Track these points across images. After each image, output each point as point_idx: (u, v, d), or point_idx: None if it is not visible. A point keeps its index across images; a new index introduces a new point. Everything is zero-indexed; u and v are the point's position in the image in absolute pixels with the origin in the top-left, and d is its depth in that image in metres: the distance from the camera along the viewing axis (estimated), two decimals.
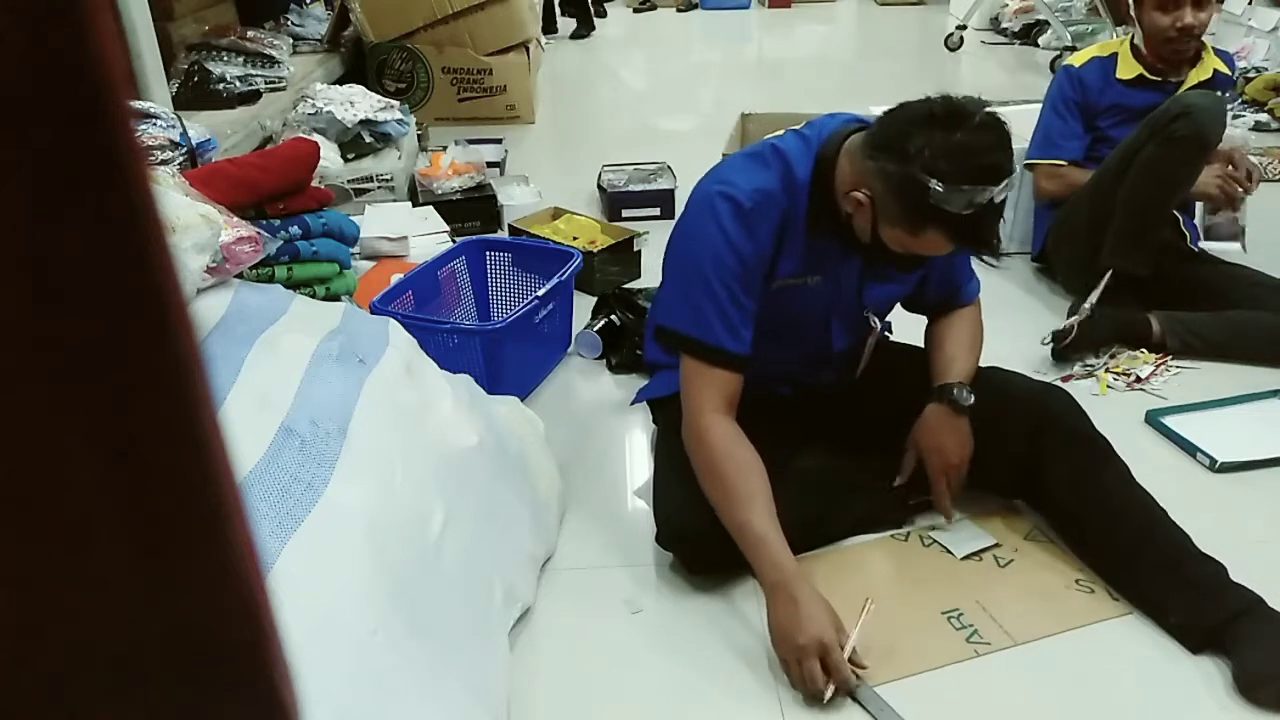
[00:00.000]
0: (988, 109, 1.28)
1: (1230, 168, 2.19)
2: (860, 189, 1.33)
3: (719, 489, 1.38)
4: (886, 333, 1.66)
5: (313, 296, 1.78)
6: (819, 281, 1.46)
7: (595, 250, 2.45)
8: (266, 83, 3.05)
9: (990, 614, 1.42)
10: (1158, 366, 2.08)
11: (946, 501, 1.53)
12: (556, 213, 2.77)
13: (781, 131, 1.46)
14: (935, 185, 1.22)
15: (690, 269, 1.42)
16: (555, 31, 5.63)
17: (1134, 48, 2.37)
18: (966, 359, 1.56)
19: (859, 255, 1.44)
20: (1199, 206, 2.34)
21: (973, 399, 1.50)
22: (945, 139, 1.23)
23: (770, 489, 1.37)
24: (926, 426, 1.52)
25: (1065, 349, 2.09)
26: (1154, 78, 2.33)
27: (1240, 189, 2.18)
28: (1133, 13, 2.30)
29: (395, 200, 2.91)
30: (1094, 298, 2.10)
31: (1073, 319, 2.09)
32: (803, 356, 1.56)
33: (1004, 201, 1.28)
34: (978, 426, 1.51)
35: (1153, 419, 1.90)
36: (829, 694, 1.24)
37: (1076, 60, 2.44)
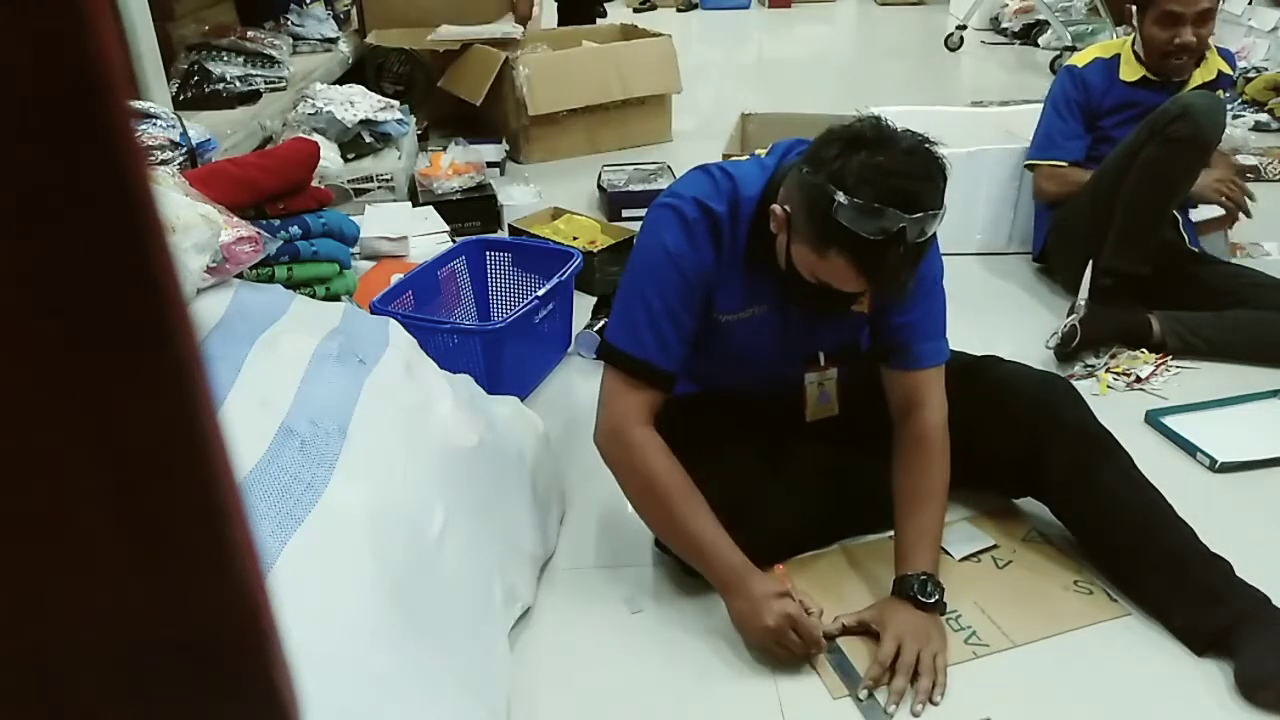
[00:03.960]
0: (926, 143, 1.21)
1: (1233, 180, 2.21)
2: (785, 204, 1.28)
3: (650, 498, 1.38)
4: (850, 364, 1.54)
5: (313, 296, 1.78)
6: (764, 311, 1.42)
7: (595, 250, 2.45)
8: (266, 83, 3.04)
9: (989, 615, 1.42)
10: (1158, 366, 2.08)
11: (901, 684, 1.29)
12: (556, 213, 2.77)
13: (745, 155, 1.44)
14: (840, 198, 1.16)
15: (632, 281, 1.40)
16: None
17: (1135, 49, 2.37)
18: (932, 533, 1.41)
19: (783, 288, 1.35)
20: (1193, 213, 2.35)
21: (938, 596, 1.35)
22: (865, 157, 1.18)
23: (700, 493, 1.36)
24: (893, 616, 1.35)
25: (1073, 351, 2.08)
26: (1156, 78, 2.33)
27: (1241, 200, 2.20)
28: (1134, 20, 2.30)
29: (395, 200, 2.91)
30: (1084, 292, 2.10)
31: (1072, 318, 2.09)
32: (771, 383, 1.52)
33: (923, 244, 1.19)
34: (976, 419, 1.49)
35: (1153, 419, 1.90)
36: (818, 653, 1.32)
37: (1079, 60, 2.44)
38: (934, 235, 1.22)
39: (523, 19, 4.08)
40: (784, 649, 1.31)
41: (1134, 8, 2.29)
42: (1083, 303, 2.09)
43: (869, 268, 1.20)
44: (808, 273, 1.28)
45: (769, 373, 1.50)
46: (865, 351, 1.52)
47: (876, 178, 1.16)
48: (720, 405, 1.45)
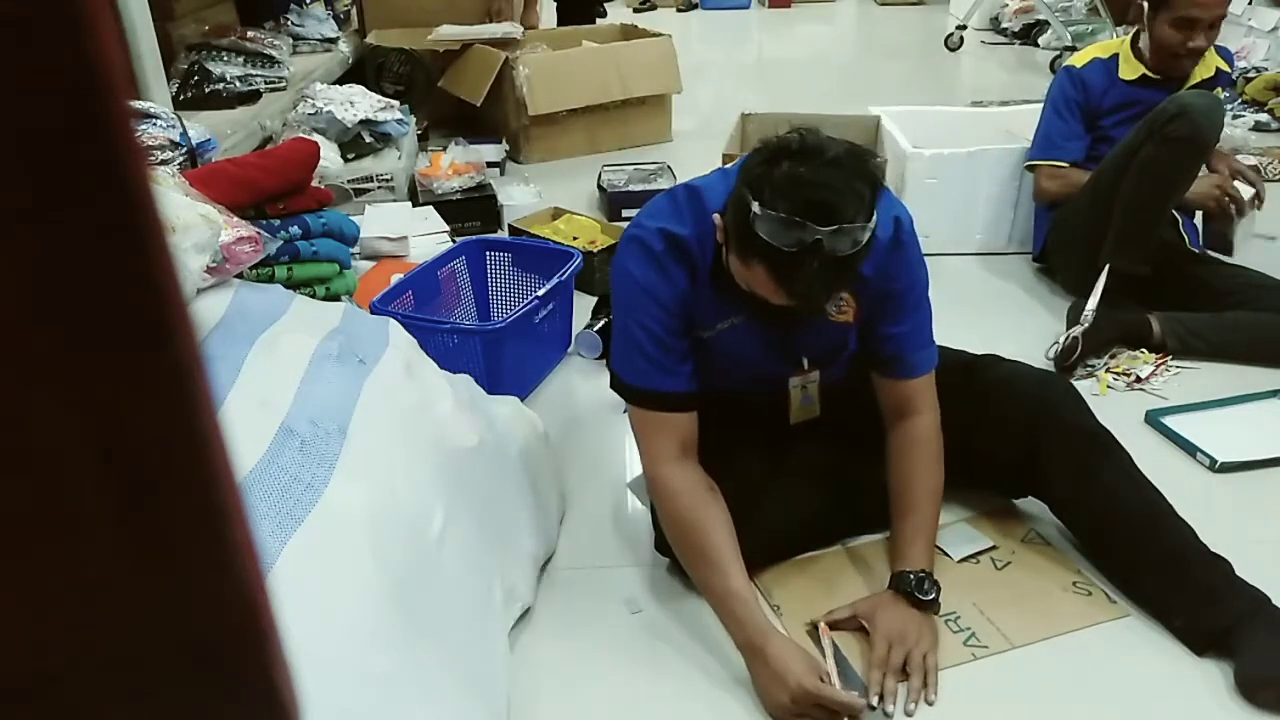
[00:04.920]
0: (858, 153, 1.18)
1: (1234, 182, 2.20)
2: (725, 214, 1.27)
3: (682, 547, 1.39)
4: (837, 371, 1.54)
5: (313, 296, 1.78)
6: (741, 320, 1.41)
7: (595, 250, 2.45)
8: (266, 83, 3.04)
9: (988, 617, 1.42)
10: (1158, 366, 2.08)
11: (893, 685, 1.29)
12: (556, 213, 2.77)
13: (710, 170, 1.44)
14: (756, 209, 1.14)
15: (619, 314, 1.40)
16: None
17: (1135, 48, 2.37)
18: (928, 531, 1.41)
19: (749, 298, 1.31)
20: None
21: (935, 594, 1.35)
22: (786, 168, 1.16)
23: (735, 541, 1.34)
24: (884, 613, 1.35)
25: (1073, 364, 2.07)
26: (1156, 76, 2.33)
27: (1236, 205, 2.19)
28: (1144, 18, 2.29)
29: (395, 200, 2.91)
30: (1093, 303, 2.10)
31: (1075, 329, 2.08)
32: (766, 384, 1.51)
33: (846, 259, 1.15)
34: (975, 419, 1.49)
35: (1153, 419, 1.90)
36: None
37: (1077, 60, 2.44)
38: (867, 248, 1.18)
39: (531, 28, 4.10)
40: None
41: (1145, 5, 2.28)
42: (1090, 313, 2.08)
43: (785, 280, 1.17)
44: (741, 282, 1.26)
45: (761, 375, 1.50)
46: (855, 358, 1.52)
47: (792, 189, 1.14)
48: (721, 408, 1.45)
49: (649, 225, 1.35)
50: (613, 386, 1.47)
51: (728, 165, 1.42)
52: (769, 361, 1.48)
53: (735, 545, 1.34)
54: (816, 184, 1.14)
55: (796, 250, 1.14)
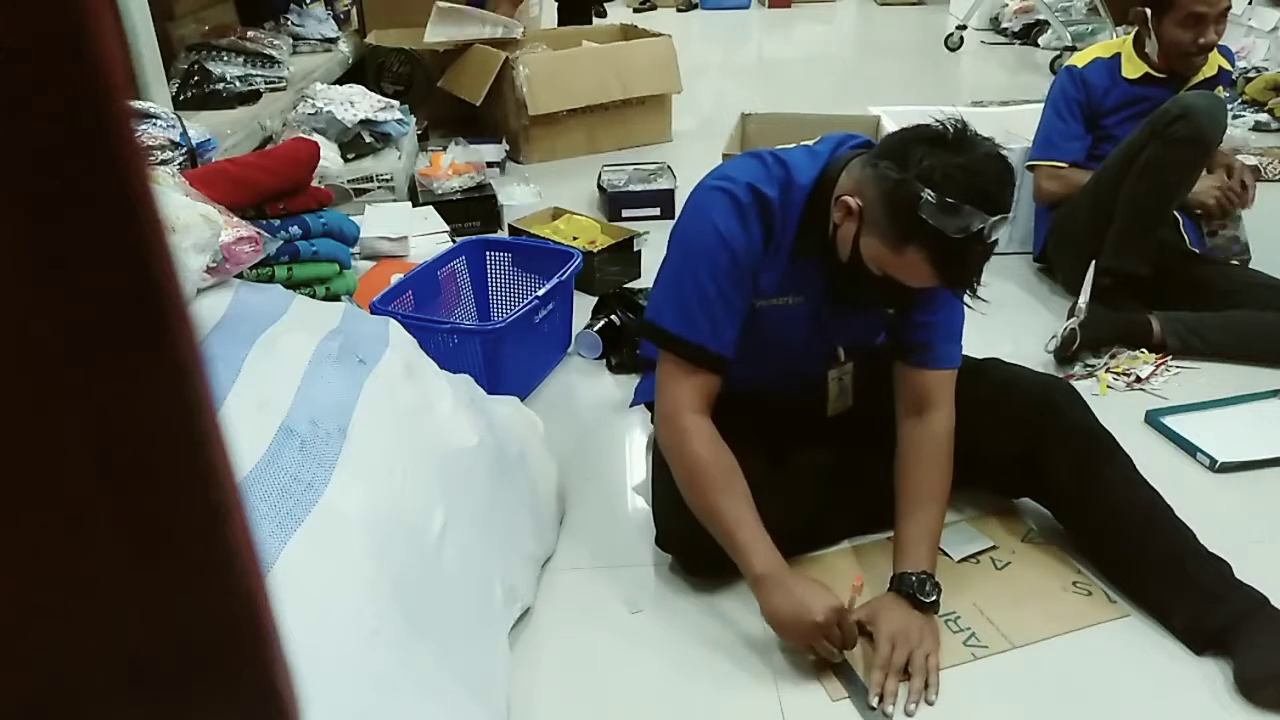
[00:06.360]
0: (999, 148, 1.27)
1: (1228, 178, 2.21)
2: (854, 196, 1.30)
3: (702, 488, 1.38)
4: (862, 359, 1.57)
5: (313, 296, 1.78)
6: (799, 301, 1.44)
7: (595, 250, 2.45)
8: (266, 83, 3.04)
9: (987, 617, 1.42)
10: (1158, 366, 2.08)
11: (894, 686, 1.29)
12: (556, 213, 2.77)
13: (792, 145, 1.45)
14: (928, 195, 1.19)
15: (681, 263, 1.41)
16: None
17: (1137, 47, 2.37)
18: (932, 533, 1.41)
19: (834, 279, 1.39)
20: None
21: (936, 595, 1.36)
22: (949, 157, 1.21)
23: (749, 490, 1.37)
24: (887, 615, 1.36)
25: (1073, 355, 2.08)
26: (1159, 75, 2.33)
27: (1236, 201, 2.20)
28: (1149, 24, 2.29)
29: (395, 200, 2.91)
30: (1085, 296, 2.10)
31: (1072, 321, 2.10)
32: (787, 377, 1.53)
33: (993, 245, 1.24)
34: (977, 419, 1.49)
35: (1153, 419, 1.90)
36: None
37: (1079, 61, 2.44)
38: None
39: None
40: (824, 645, 1.30)
41: (1147, 10, 2.28)
42: (1083, 306, 2.09)
43: (947, 265, 1.24)
44: (876, 266, 1.30)
45: (786, 365, 1.51)
46: (882, 348, 1.53)
47: (963, 178, 1.19)
48: (736, 404, 1.45)
49: (739, 178, 1.37)
50: (647, 335, 1.48)
51: (812, 144, 1.44)
52: (805, 349, 1.49)
53: (750, 493, 1.36)
54: (983, 174, 1.21)
55: (961, 237, 1.19)
